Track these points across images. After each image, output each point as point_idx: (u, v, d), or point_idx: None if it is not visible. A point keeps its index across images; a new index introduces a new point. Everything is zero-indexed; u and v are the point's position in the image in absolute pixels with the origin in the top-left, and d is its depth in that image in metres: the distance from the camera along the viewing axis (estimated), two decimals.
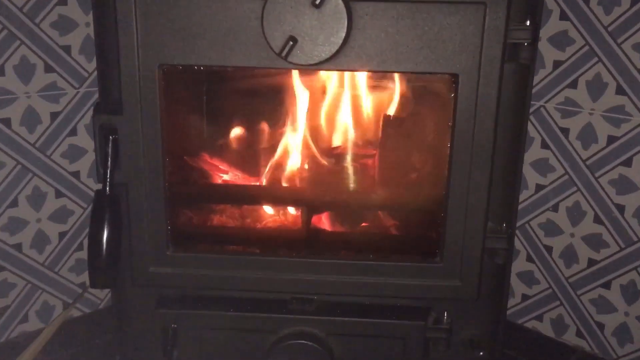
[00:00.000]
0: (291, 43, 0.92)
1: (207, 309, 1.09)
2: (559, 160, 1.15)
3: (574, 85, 1.10)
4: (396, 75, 1.10)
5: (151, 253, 1.06)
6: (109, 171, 1.01)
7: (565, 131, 1.12)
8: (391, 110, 1.15)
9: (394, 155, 1.16)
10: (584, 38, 1.08)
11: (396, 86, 1.11)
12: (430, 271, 1.06)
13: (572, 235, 1.18)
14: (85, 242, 1.15)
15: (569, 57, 1.10)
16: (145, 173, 1.03)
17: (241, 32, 0.96)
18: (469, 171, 1.01)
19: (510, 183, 1.07)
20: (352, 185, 1.19)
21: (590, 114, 1.10)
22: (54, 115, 1.17)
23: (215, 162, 1.19)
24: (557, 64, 1.11)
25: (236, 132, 1.18)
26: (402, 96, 1.13)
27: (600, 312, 1.19)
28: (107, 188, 1.02)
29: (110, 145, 1.01)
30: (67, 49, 1.15)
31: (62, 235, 1.24)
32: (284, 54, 0.93)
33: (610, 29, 1.07)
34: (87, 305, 1.30)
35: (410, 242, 1.15)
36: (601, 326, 1.20)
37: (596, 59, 1.09)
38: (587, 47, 1.09)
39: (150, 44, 0.97)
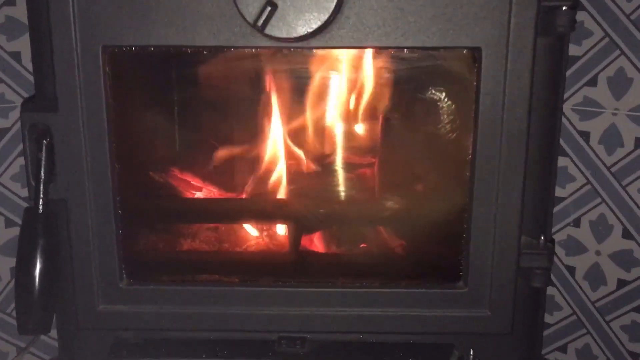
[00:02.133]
0: (269, 9, 0.74)
1: (174, 356, 0.92)
2: (579, 169, 1.04)
3: (593, 82, 1.00)
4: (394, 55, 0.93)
5: (100, 286, 0.89)
6: (42, 184, 0.84)
7: (585, 135, 1.03)
8: (392, 108, 0.99)
9: (398, 161, 1.00)
10: (603, 29, 0.97)
11: (397, 72, 0.93)
12: (452, 299, 0.90)
13: (598, 253, 1.07)
14: None
15: (587, 52, 0.99)
16: (90, 185, 0.86)
17: (205, 1, 0.78)
18: (497, 170, 0.84)
19: (545, 184, 0.90)
20: (348, 198, 1.04)
21: (614, 114, 1.01)
22: (2, 132, 1.03)
23: (183, 171, 1.03)
24: (573, 59, 1.00)
25: (209, 134, 1.03)
26: (406, 85, 0.96)
27: (633, 339, 1.08)
28: (40, 205, 0.84)
29: (43, 150, 0.83)
30: (16, 55, 1.01)
31: (14, 270, 1.05)
32: (259, 23, 0.74)
33: (633, 17, 0.96)
34: (46, 349, 1.13)
35: (424, 263, 0.98)
36: (635, 356, 1.09)
37: (618, 52, 0.98)
38: (607, 39, 0.98)
39: (90, 19, 0.80)
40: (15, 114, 1.03)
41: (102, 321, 0.90)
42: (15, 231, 1.05)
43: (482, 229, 0.86)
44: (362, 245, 1.04)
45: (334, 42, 0.80)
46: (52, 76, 0.82)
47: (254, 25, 0.75)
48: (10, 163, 1.05)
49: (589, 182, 1.04)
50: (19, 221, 1.02)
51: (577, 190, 1.06)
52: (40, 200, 0.84)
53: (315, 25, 0.76)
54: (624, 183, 1.03)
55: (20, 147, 1.00)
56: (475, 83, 0.82)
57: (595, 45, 0.99)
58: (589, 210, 1.06)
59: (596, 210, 1.05)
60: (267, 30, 0.76)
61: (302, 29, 0.76)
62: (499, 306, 0.88)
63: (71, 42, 0.80)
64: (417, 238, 0.99)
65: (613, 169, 1.03)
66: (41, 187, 0.83)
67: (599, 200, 1.05)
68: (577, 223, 1.07)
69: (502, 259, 0.87)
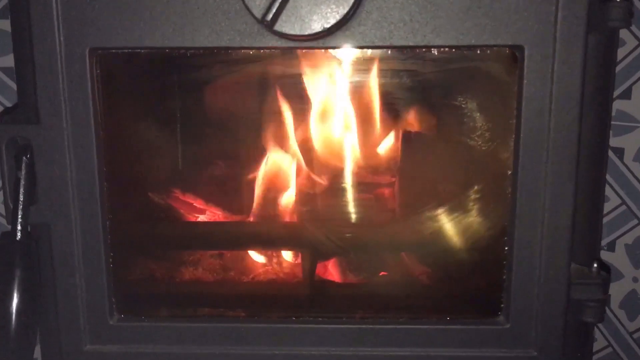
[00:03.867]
0: (279, 1, 0.65)
1: None
2: (612, 188, 0.99)
3: (627, 95, 0.95)
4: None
5: (87, 324, 0.81)
6: (20, 207, 0.74)
7: (619, 152, 0.98)
8: (417, 117, 0.89)
9: (423, 177, 0.91)
10: (636, 37, 0.92)
11: (423, 75, 0.84)
12: (491, 336, 0.80)
13: (635, 279, 1.03)
14: None
15: (619, 62, 0.94)
16: (76, 207, 0.77)
17: None
18: (543, 187, 0.74)
19: (596, 202, 0.81)
20: (368, 221, 0.95)
21: None
22: None
23: (184, 191, 0.95)
24: None
25: (212, 150, 0.95)
26: (434, 90, 0.87)
27: None
28: (19, 230, 0.75)
29: (23, 168, 0.74)
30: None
31: None
32: (268, 18, 0.64)
33: None
34: None
35: (458, 295, 0.88)
36: None
37: None
38: None
39: (76, 18, 0.71)
40: None
41: None
42: None
43: (526, 255, 0.76)
44: (384, 274, 0.94)
45: (353, 41, 0.70)
46: (33, 83, 0.73)
47: (262, 20, 0.66)
48: None
49: (623, 202, 0.99)
50: None
51: (611, 211, 1.00)
52: (19, 225, 0.74)
53: (332, 20, 0.66)
54: None
55: None
56: (516, 87, 0.72)
57: (628, 54, 0.94)
58: (625, 233, 1.01)
59: (632, 233, 1.01)
60: (277, 27, 0.66)
61: (318, 25, 0.67)
62: (547, 345, 0.78)
63: (54, 43, 0.71)
64: (449, 266, 0.90)
65: None
66: (19, 210, 0.74)
67: (635, 222, 0.99)
68: (611, 247, 1.01)
69: (550, 290, 0.77)
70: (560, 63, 0.70)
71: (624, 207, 1.00)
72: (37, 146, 0.74)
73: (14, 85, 0.93)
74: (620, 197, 0.99)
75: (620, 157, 0.99)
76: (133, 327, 0.81)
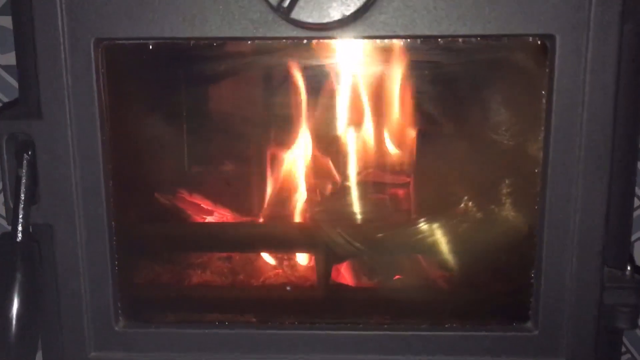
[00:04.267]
0: None
1: None
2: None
3: None
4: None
5: (91, 330, 0.76)
6: (21, 206, 0.70)
7: None
8: (437, 112, 0.84)
9: (444, 176, 0.85)
10: None
11: (444, 67, 0.79)
12: (519, 344, 0.74)
13: None
14: None
15: None
16: (80, 208, 0.72)
17: None
18: (575, 185, 0.69)
19: (628, 202, 0.76)
20: (388, 221, 0.89)
21: None
22: None
23: (192, 191, 0.90)
24: None
25: (222, 147, 0.90)
26: (455, 83, 0.81)
27: None
28: (19, 231, 0.70)
29: (24, 166, 0.70)
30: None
31: None
32: (285, 4, 0.60)
33: None
34: None
35: (483, 300, 0.83)
36: None
37: None
38: None
39: (82, 7, 0.67)
40: None
41: None
42: None
43: (556, 258, 0.71)
44: (402, 278, 0.89)
45: (374, 31, 0.65)
46: (35, 76, 0.68)
47: (277, 8, 0.61)
48: None
49: None
50: None
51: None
52: (20, 225, 0.70)
53: (353, 7, 0.61)
54: None
55: None
56: (547, 79, 0.67)
57: None
58: None
59: None
60: (294, 15, 0.62)
61: (337, 13, 0.62)
62: (578, 353, 0.73)
63: (57, 33, 0.66)
64: (473, 269, 0.84)
65: None
66: (20, 210, 0.69)
67: None
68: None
69: (581, 295, 0.72)
70: (594, 54, 0.65)
71: None
72: (39, 143, 0.69)
73: (16, 84, 0.89)
74: None
75: None
76: (139, 333, 0.76)
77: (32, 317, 0.71)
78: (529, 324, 0.74)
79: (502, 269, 0.81)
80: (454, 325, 0.76)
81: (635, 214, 0.93)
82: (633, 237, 0.94)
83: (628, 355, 1.00)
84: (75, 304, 0.74)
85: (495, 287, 0.83)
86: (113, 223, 0.73)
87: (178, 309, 0.83)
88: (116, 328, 0.75)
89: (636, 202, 0.92)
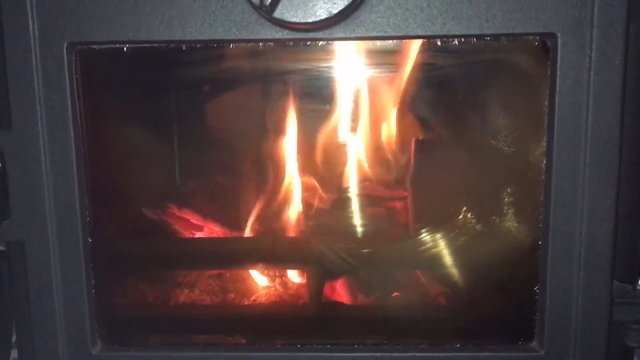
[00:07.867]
0: None
1: None
2: None
3: None
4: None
5: (66, 353, 0.70)
6: None
7: None
8: (433, 118, 0.80)
9: (441, 185, 0.81)
10: None
11: (439, 70, 0.74)
12: None
13: None
14: None
15: None
16: (53, 223, 0.67)
17: None
18: (580, 193, 0.64)
19: (636, 211, 0.70)
20: (381, 236, 0.84)
21: None
22: None
23: (178, 205, 0.85)
24: None
25: (210, 159, 0.85)
26: (451, 86, 0.77)
27: None
28: None
29: None
30: None
31: None
32: (266, 3, 0.56)
33: None
34: None
35: (486, 318, 0.77)
36: None
37: None
38: None
39: (54, 9, 0.63)
40: None
41: None
42: None
43: (562, 272, 0.66)
44: (399, 295, 0.84)
45: (363, 31, 0.61)
46: (4, 83, 0.64)
47: (259, 6, 0.57)
48: None
49: None
50: None
51: None
52: None
53: (341, 4, 0.58)
54: None
55: None
56: (549, 80, 0.63)
57: None
58: None
59: None
60: (277, 14, 0.58)
61: (323, 12, 0.58)
62: None
63: (27, 37, 0.62)
64: (474, 285, 0.79)
65: None
66: None
67: None
68: None
69: (589, 311, 0.67)
70: (599, 53, 0.61)
71: None
72: (9, 154, 0.65)
73: None
74: None
75: None
76: (118, 357, 0.71)
77: (1, 342, 0.66)
78: (535, 343, 0.69)
79: (505, 285, 0.76)
80: (455, 345, 0.71)
81: None
82: None
83: None
84: (49, 326, 0.69)
85: (498, 303, 0.78)
86: (89, 239, 0.68)
87: (162, 330, 0.78)
88: (93, 352, 0.70)
89: None
